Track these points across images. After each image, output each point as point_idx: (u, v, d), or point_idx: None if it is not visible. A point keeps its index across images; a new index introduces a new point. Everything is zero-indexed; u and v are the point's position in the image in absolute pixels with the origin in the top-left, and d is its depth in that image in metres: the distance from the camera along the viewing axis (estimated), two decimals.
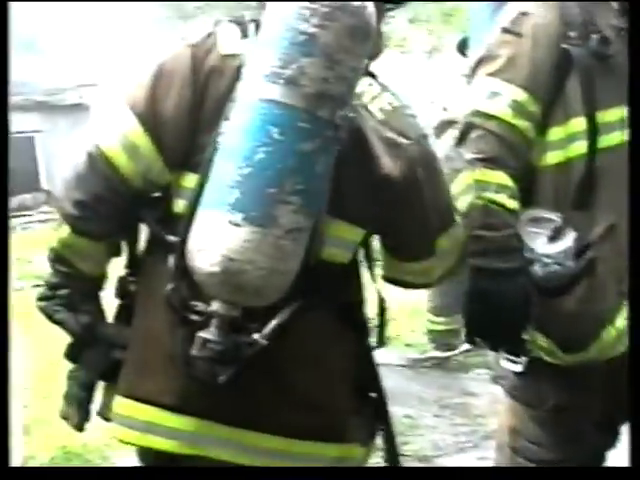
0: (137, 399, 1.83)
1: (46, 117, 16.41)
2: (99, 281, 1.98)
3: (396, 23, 14.55)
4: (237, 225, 1.61)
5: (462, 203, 2.02)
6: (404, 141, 1.82)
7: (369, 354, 1.96)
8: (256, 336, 1.72)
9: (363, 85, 1.82)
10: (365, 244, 1.94)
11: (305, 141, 1.63)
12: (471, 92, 2.33)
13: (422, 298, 6.52)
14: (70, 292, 1.93)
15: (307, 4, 1.63)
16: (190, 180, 1.78)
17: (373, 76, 1.88)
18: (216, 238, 1.63)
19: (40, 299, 1.96)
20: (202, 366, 1.71)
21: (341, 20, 1.63)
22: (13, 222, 14.95)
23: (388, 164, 1.80)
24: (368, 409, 1.95)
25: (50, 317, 1.94)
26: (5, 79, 2.09)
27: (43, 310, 1.95)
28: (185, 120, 1.79)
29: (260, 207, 1.62)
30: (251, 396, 1.78)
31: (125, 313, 1.96)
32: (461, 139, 2.23)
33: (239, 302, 1.69)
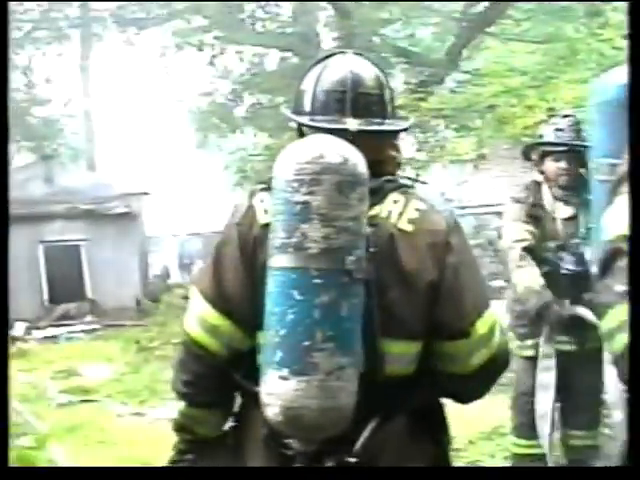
0: None
1: (92, 226, 16.31)
2: (217, 442, 2.26)
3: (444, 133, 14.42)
4: (286, 379, 1.87)
5: (618, 342, 1.88)
6: (435, 240, 2.03)
7: (446, 453, 2.18)
8: (347, 457, 1.97)
9: (388, 205, 2.04)
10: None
11: (323, 294, 1.85)
12: (614, 213, 2.01)
13: (504, 418, 6.11)
14: (193, 457, 2.26)
15: (294, 176, 1.88)
16: (263, 334, 2.01)
17: (399, 187, 2.10)
18: (274, 393, 1.89)
19: (170, 462, 2.29)
20: None
21: (326, 182, 1.86)
22: (56, 331, 14.75)
23: (426, 271, 2.02)
24: None
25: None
26: (5, 80, 2.42)
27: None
28: (245, 291, 2.07)
29: (300, 359, 1.86)
30: None
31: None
32: (607, 267, 1.97)
33: (310, 439, 1.95)
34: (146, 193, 17.81)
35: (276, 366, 1.89)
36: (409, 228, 2.03)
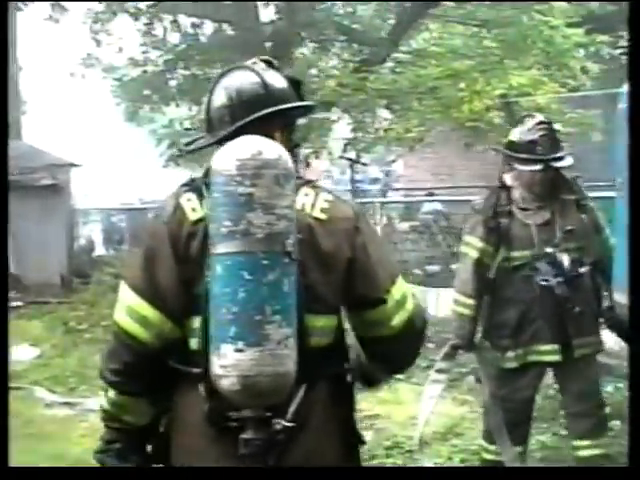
0: None
1: (16, 198, 15.55)
2: (145, 431, 2.42)
3: None
4: (241, 351, 2.06)
5: None
6: (346, 225, 2.31)
7: (353, 415, 2.45)
8: (282, 422, 2.17)
9: (301, 198, 2.30)
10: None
11: (269, 273, 2.08)
12: None
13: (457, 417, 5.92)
14: (122, 446, 2.39)
15: (236, 171, 2.10)
16: (196, 322, 2.25)
17: (307, 183, 2.38)
18: (230, 364, 2.06)
19: (96, 452, 2.43)
20: (252, 461, 2.16)
21: (266, 175, 2.10)
22: None
23: (341, 252, 2.29)
24: (356, 456, 2.47)
25: (103, 464, 2.41)
26: (5, 80, 2.67)
27: (99, 461, 2.42)
28: (177, 284, 2.25)
29: (254, 332, 2.06)
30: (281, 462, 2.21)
31: (160, 453, 2.41)
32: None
33: (264, 404, 2.13)
34: (74, 164, 17.10)
35: (231, 340, 2.07)
36: (323, 216, 2.30)
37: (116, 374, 2.33)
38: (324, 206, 2.33)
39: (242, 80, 2.41)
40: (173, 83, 16.93)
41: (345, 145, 13.81)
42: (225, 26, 16.47)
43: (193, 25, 16.75)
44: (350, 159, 13.64)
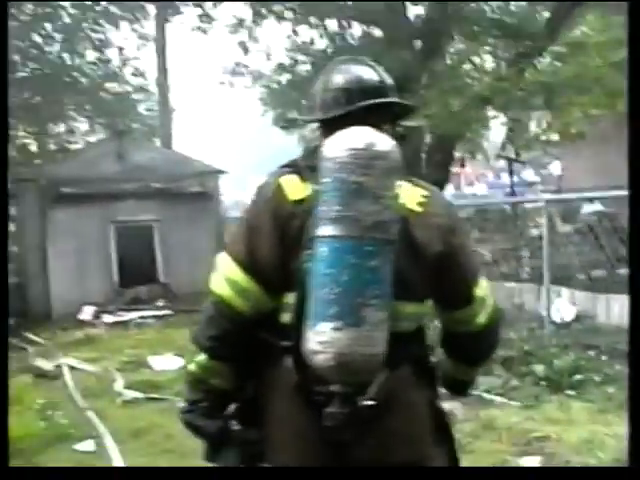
0: None
1: (166, 205, 15.54)
2: (231, 394, 2.53)
3: None
4: (339, 329, 2.16)
5: None
6: (440, 222, 2.42)
7: (438, 398, 2.58)
8: (365, 401, 2.27)
9: (397, 189, 2.33)
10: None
11: (373, 259, 2.19)
12: None
13: None
14: (208, 405, 2.51)
15: (349, 159, 2.20)
16: (290, 297, 2.36)
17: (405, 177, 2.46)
18: (327, 341, 2.17)
19: (183, 412, 2.56)
20: (332, 433, 2.27)
21: (378, 166, 2.21)
22: (126, 316, 14.03)
23: (434, 246, 2.38)
24: (443, 444, 2.57)
25: (191, 425, 2.53)
26: (5, 81, 2.95)
27: (186, 421, 2.55)
28: (276, 260, 2.35)
29: (353, 313, 2.16)
30: (360, 444, 2.31)
31: (245, 415, 2.52)
32: None
33: (354, 382, 2.25)
34: (222, 171, 16.96)
35: (330, 319, 2.15)
36: (418, 209, 2.39)
37: (212, 340, 2.43)
38: (420, 200, 2.42)
39: (361, 69, 2.51)
40: None
41: (503, 143, 12.98)
42: (372, 27, 15.96)
43: (341, 27, 16.32)
44: (509, 158, 12.82)
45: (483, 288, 2.52)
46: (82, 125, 23.79)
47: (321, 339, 2.17)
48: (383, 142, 2.24)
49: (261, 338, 2.41)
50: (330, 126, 2.42)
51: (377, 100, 2.44)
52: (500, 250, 13.05)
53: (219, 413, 2.51)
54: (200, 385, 2.52)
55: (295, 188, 2.39)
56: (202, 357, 2.47)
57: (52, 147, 22.63)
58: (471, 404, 7.09)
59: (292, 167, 2.46)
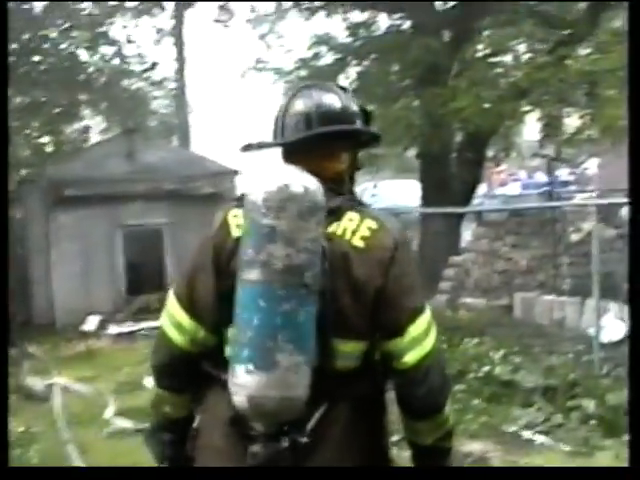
0: None
1: (176, 207, 14.62)
2: (185, 422, 2.54)
3: None
4: (251, 373, 2.18)
5: None
6: (382, 256, 2.33)
7: (384, 437, 2.52)
8: (294, 438, 2.26)
9: (344, 223, 2.35)
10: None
11: (284, 303, 2.17)
12: None
13: None
14: (164, 434, 2.58)
15: (262, 203, 2.19)
16: (230, 332, 2.35)
17: (355, 206, 2.41)
18: (240, 384, 2.20)
19: (146, 432, 2.66)
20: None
21: (289, 209, 2.18)
22: (134, 326, 13.12)
23: (374, 281, 2.32)
24: None
25: (146, 444, 2.65)
26: (5, 81, 3.26)
27: (145, 443, 2.65)
28: (214, 299, 2.40)
29: (264, 357, 2.17)
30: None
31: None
32: None
33: (272, 423, 2.25)
34: (237, 172, 16.00)
35: (243, 361, 2.19)
36: (361, 244, 2.33)
37: (154, 369, 2.55)
38: (365, 234, 2.35)
39: (322, 95, 2.46)
40: (344, 81, 15.67)
41: (540, 141, 11.94)
42: (400, 17, 15.05)
43: (367, 20, 15.47)
44: (549, 157, 11.76)
45: (420, 327, 2.39)
46: (98, 124, 23.00)
47: (236, 381, 2.22)
48: (298, 183, 2.22)
49: (204, 371, 2.46)
50: (290, 152, 2.46)
51: (333, 128, 2.40)
52: (537, 257, 12.01)
53: (175, 440, 2.57)
54: (156, 411, 2.60)
55: (239, 224, 2.38)
56: (154, 385, 2.60)
57: (68, 147, 21.85)
58: (508, 444, 6.11)
59: (240, 201, 2.40)
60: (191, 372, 2.47)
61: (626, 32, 12.01)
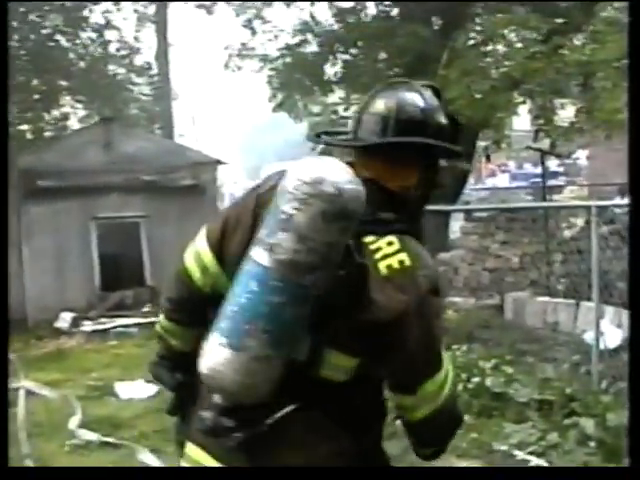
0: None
1: (154, 200, 14.09)
2: (189, 354, 2.45)
3: None
4: (221, 345, 2.12)
5: None
6: (402, 297, 2.15)
7: (368, 454, 2.34)
8: (254, 425, 2.21)
9: (383, 242, 2.20)
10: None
11: (276, 295, 2.08)
12: None
13: None
14: (170, 361, 2.61)
15: (291, 189, 2.07)
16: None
17: (402, 232, 2.23)
18: (207, 350, 2.17)
19: (152, 364, 2.68)
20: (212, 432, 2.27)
21: (314, 205, 2.05)
22: (107, 324, 12.63)
23: (382, 313, 2.15)
24: None
25: (156, 377, 2.66)
26: (5, 80, 3.26)
27: (150, 371, 2.68)
28: (241, 250, 2.24)
29: (237, 337, 2.11)
30: (250, 462, 2.27)
31: None
32: None
33: (223, 398, 2.21)
34: (220, 162, 15.47)
35: (218, 331, 2.15)
36: (383, 271, 2.18)
37: (169, 302, 2.56)
38: (394, 265, 2.19)
39: (407, 98, 2.33)
40: (330, 69, 15.23)
41: (536, 132, 11.50)
42: (388, 4, 14.61)
43: (355, 6, 15.03)
44: (542, 150, 11.32)
45: (435, 384, 2.27)
46: (79, 111, 22.41)
47: (206, 345, 2.19)
48: (336, 184, 2.07)
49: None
50: (360, 152, 2.35)
51: (401, 139, 2.28)
52: (528, 254, 11.60)
53: (179, 373, 2.56)
54: (162, 342, 2.63)
55: None
56: (162, 317, 2.61)
57: (47, 134, 21.27)
58: (499, 465, 5.65)
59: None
60: (202, 310, 2.44)
61: (621, 22, 11.62)
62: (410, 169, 2.31)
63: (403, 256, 2.20)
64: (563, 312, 9.20)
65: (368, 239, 2.20)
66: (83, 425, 7.38)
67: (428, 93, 2.35)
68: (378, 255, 2.20)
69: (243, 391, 2.15)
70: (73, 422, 7.47)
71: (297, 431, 2.27)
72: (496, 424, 6.31)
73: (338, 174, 2.08)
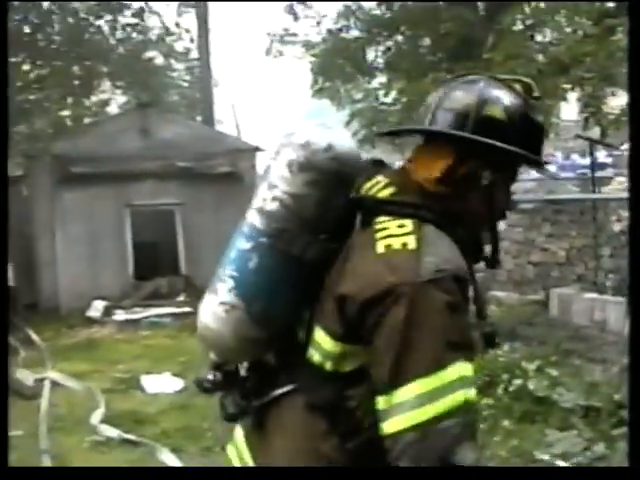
0: None
1: (190, 187, 13.83)
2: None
3: None
4: (208, 291, 2.17)
5: None
6: (390, 277, 1.93)
7: (345, 446, 2.09)
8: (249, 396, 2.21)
9: (394, 224, 2.04)
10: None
11: (243, 241, 2.10)
12: None
13: None
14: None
15: (279, 143, 2.11)
16: None
17: (421, 220, 2.04)
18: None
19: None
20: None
21: (282, 154, 2.08)
22: (140, 314, 12.40)
23: (366, 288, 1.96)
24: None
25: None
26: (5, 80, 3.20)
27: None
28: None
29: (213, 281, 2.15)
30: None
31: None
32: None
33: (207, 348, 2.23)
34: (258, 149, 15.16)
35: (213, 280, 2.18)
36: (379, 249, 2.01)
37: None
38: (394, 246, 1.99)
39: (496, 92, 2.14)
40: (372, 55, 14.94)
41: (585, 120, 11.00)
42: None
43: None
44: (592, 140, 10.81)
45: (411, 392, 1.89)
46: (119, 97, 22.31)
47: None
48: (308, 138, 2.05)
49: None
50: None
51: (443, 130, 2.11)
52: (576, 248, 11.15)
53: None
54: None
55: None
56: None
57: (87, 120, 21.18)
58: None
59: None
60: None
61: None
62: (437, 161, 2.13)
63: (409, 239, 2.03)
64: (612, 310, 8.75)
65: (380, 218, 2.08)
66: (106, 420, 7.21)
67: (522, 94, 2.17)
68: (381, 234, 2.06)
69: (211, 338, 2.16)
70: (96, 416, 7.29)
71: (274, 417, 2.20)
72: (538, 431, 5.92)
73: (322, 132, 2.09)
